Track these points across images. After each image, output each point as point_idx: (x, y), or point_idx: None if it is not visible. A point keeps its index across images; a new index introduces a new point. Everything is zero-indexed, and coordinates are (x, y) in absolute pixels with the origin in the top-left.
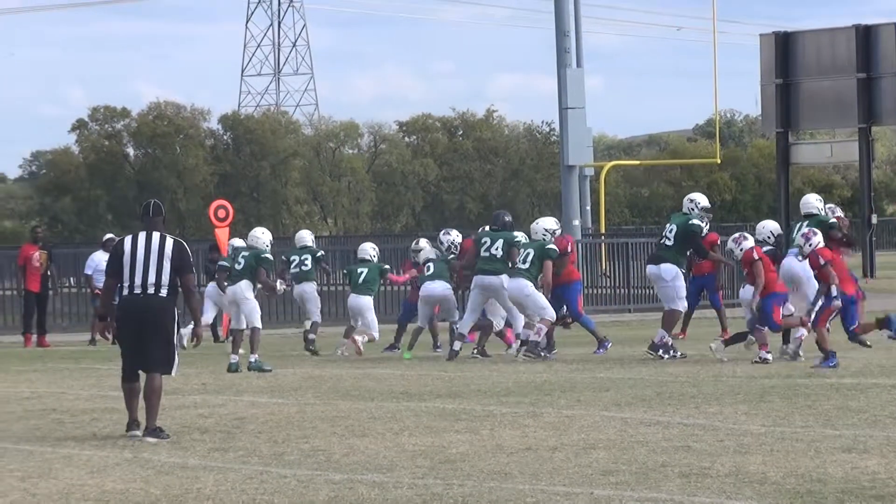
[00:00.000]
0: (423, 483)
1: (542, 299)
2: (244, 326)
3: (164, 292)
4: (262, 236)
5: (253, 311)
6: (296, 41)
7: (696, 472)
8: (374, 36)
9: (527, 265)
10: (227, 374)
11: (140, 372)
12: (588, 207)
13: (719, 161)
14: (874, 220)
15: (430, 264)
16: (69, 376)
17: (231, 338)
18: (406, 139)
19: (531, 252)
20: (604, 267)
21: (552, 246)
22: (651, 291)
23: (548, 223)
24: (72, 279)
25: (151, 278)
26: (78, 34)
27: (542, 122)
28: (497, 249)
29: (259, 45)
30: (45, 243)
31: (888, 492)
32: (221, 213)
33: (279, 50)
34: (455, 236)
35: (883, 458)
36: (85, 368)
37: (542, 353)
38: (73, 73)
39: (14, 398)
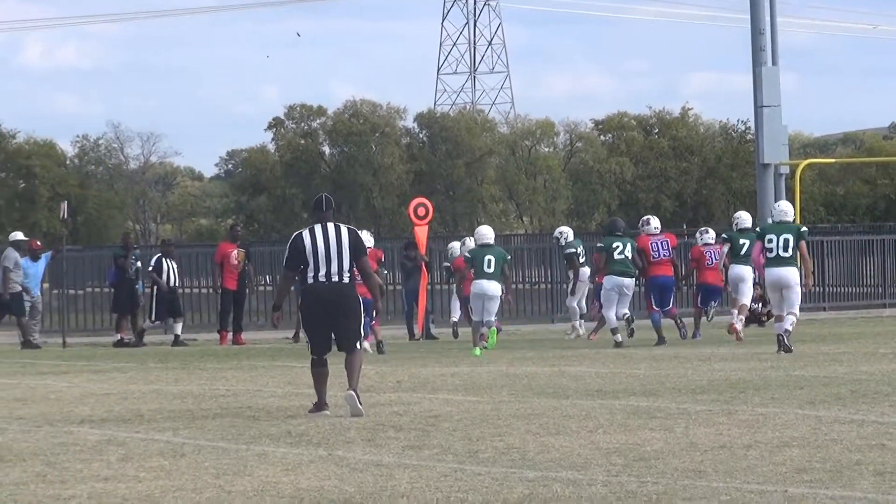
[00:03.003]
0: (617, 480)
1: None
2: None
3: (347, 278)
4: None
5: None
6: (491, 39)
7: (890, 470)
8: (569, 34)
9: (789, 253)
10: (423, 372)
11: (326, 357)
12: None
13: None
14: None
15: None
16: (265, 374)
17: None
18: (601, 137)
19: (790, 238)
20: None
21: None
22: (846, 290)
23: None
24: (268, 277)
25: (335, 267)
26: (273, 32)
27: (738, 120)
28: (629, 252)
29: (455, 44)
30: (243, 241)
31: None
32: (421, 212)
33: (475, 48)
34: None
35: None
36: (280, 366)
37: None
38: (269, 71)
39: (210, 395)
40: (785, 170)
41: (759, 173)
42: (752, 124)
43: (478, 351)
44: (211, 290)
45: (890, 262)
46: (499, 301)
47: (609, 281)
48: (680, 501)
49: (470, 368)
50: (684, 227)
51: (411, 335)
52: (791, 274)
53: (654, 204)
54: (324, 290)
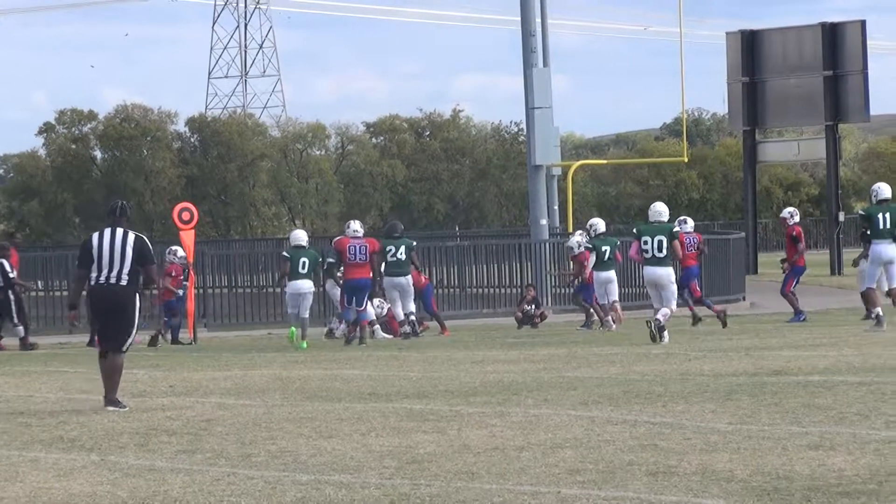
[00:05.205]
0: (390, 483)
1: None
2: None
3: (125, 281)
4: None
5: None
6: (262, 43)
7: (662, 470)
8: (338, 37)
9: (663, 253)
10: (195, 376)
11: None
12: (556, 207)
13: (687, 160)
14: (841, 217)
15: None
16: (37, 380)
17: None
18: (373, 140)
19: (664, 239)
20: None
21: (678, 228)
22: (626, 290)
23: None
24: (39, 283)
25: (115, 269)
26: (41, 37)
27: (511, 121)
28: (401, 254)
29: (226, 48)
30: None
31: (854, 489)
32: (186, 216)
33: (246, 52)
34: None
35: (849, 455)
36: (52, 371)
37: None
38: (38, 76)
39: None
40: (557, 171)
41: (531, 175)
42: (524, 126)
43: (304, 343)
44: None
45: None
46: (312, 297)
47: (386, 282)
48: (453, 503)
49: (242, 372)
50: (457, 228)
51: (174, 339)
52: (665, 272)
53: (426, 206)
54: (100, 290)
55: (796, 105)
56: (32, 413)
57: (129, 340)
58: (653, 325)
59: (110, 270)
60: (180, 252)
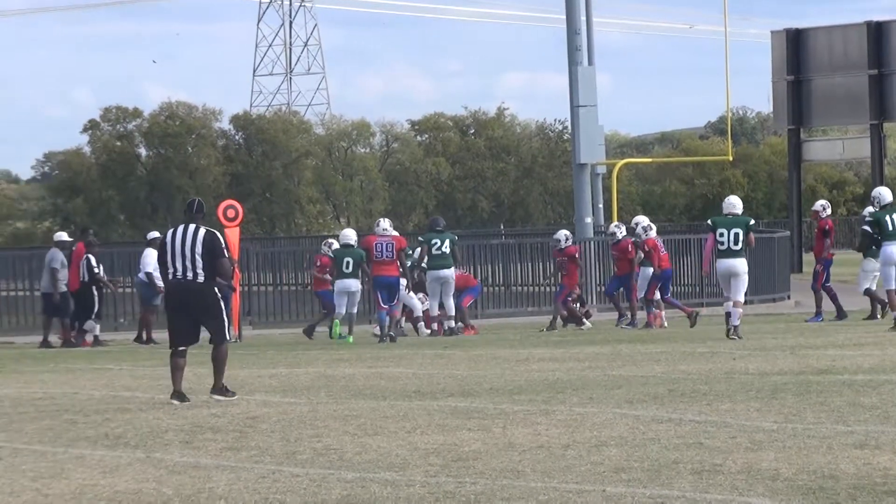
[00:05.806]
0: (435, 481)
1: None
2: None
3: (201, 277)
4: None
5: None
6: (307, 41)
7: (707, 468)
8: (383, 35)
9: (739, 245)
10: (240, 374)
11: (185, 349)
12: (600, 205)
13: (731, 158)
14: None
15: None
16: (81, 377)
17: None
18: (418, 138)
19: (740, 232)
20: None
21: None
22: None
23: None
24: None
25: (187, 265)
26: (86, 34)
27: (555, 120)
28: (446, 247)
29: (271, 45)
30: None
31: None
32: (231, 213)
33: (291, 50)
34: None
35: (895, 455)
36: (98, 369)
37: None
38: (83, 74)
39: (27, 399)
40: (602, 169)
41: (576, 173)
42: (569, 124)
43: (350, 338)
44: (28, 293)
45: None
46: (360, 294)
47: (430, 275)
48: (498, 502)
49: (287, 370)
50: (501, 226)
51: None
52: (740, 264)
53: (471, 204)
54: (174, 287)
55: (841, 104)
56: (78, 410)
57: (227, 329)
58: (730, 331)
59: (184, 267)
60: (335, 245)
